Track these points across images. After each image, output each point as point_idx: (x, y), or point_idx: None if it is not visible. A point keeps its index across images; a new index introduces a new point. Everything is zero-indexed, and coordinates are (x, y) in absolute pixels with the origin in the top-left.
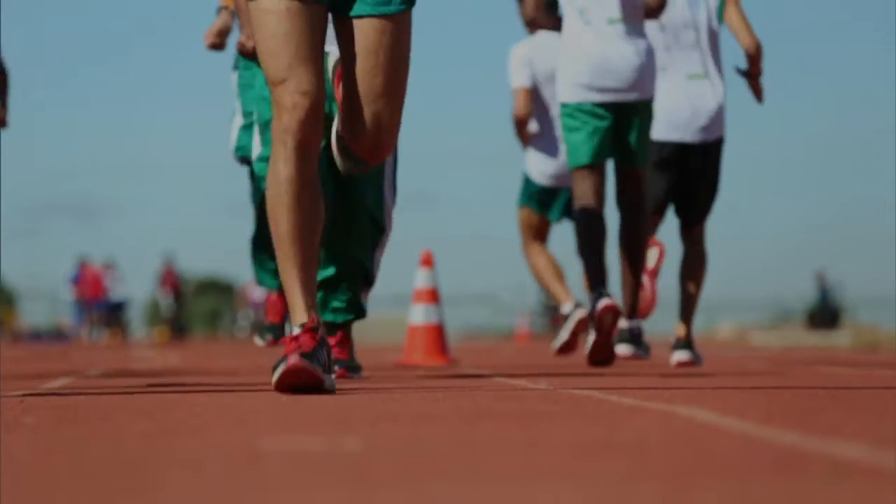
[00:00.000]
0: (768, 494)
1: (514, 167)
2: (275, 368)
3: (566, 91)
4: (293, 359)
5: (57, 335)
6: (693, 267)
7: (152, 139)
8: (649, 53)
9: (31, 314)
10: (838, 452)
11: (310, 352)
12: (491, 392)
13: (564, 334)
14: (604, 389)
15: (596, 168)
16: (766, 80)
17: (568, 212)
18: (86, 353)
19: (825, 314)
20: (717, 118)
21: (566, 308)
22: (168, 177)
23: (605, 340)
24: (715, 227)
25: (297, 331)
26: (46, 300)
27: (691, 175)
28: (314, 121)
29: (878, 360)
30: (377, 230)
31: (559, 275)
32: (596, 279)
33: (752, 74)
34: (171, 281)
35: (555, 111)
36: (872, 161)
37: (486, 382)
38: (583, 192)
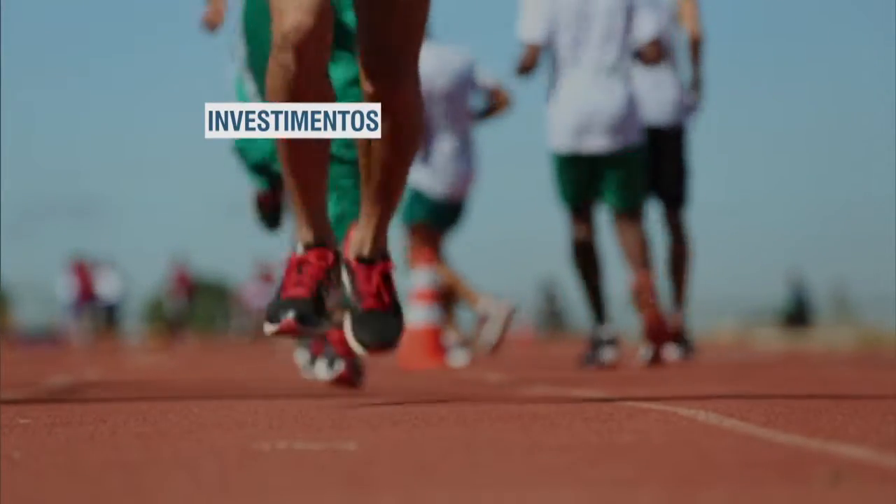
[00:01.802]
0: (770, 497)
1: (513, 167)
2: (269, 316)
3: (555, 139)
4: (286, 322)
5: (52, 337)
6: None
7: (151, 139)
8: (633, 101)
9: (28, 315)
10: (841, 454)
11: (309, 296)
12: (491, 394)
13: (493, 334)
14: (604, 391)
15: (582, 209)
16: (769, 76)
17: (451, 219)
18: (81, 357)
19: (799, 314)
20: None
21: (488, 306)
22: (165, 177)
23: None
24: (718, 226)
25: (300, 251)
26: (43, 301)
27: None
28: (319, 38)
29: (880, 361)
30: None
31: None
32: (598, 310)
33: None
34: (186, 283)
35: (438, 123)
36: (877, 159)
37: (486, 384)
38: (576, 231)
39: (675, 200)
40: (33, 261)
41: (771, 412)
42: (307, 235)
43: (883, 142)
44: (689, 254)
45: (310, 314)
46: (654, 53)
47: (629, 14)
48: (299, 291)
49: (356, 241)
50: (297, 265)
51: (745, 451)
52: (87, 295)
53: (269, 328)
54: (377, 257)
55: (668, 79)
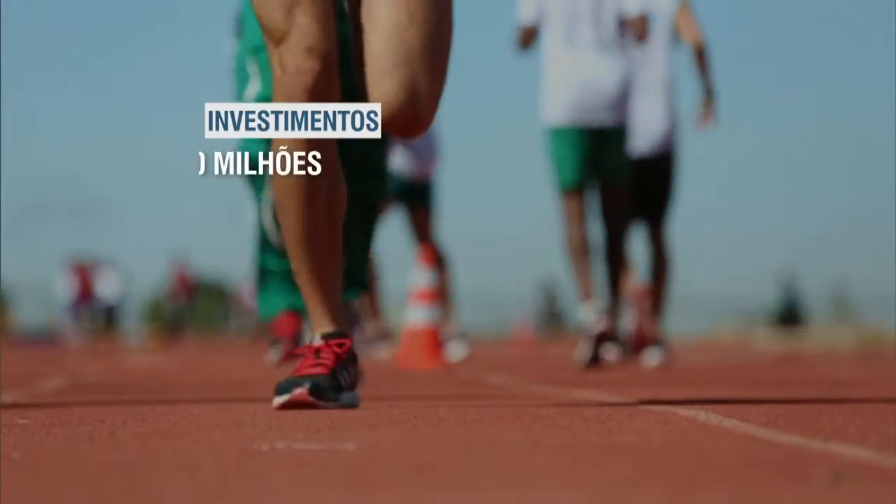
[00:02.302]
0: (770, 497)
1: (513, 167)
2: (279, 390)
3: (552, 114)
4: (299, 392)
5: (51, 337)
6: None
7: (151, 139)
8: (628, 77)
9: (27, 316)
10: (841, 455)
11: (328, 373)
12: (491, 395)
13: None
14: (604, 391)
15: (580, 190)
16: (771, 76)
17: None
18: (80, 358)
19: (791, 315)
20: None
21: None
22: (165, 177)
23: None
24: (718, 227)
25: (318, 341)
26: (42, 302)
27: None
28: (326, 85)
29: (880, 361)
30: (373, 215)
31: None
32: (586, 293)
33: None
34: (186, 284)
35: None
36: (878, 159)
37: (485, 385)
38: (569, 218)
39: (658, 219)
40: (33, 261)
41: (771, 412)
42: (325, 325)
43: (884, 141)
44: (670, 268)
45: (326, 387)
46: (641, 27)
47: None
48: (317, 370)
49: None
50: (315, 352)
51: (746, 452)
52: (86, 295)
53: (278, 400)
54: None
55: (660, 107)
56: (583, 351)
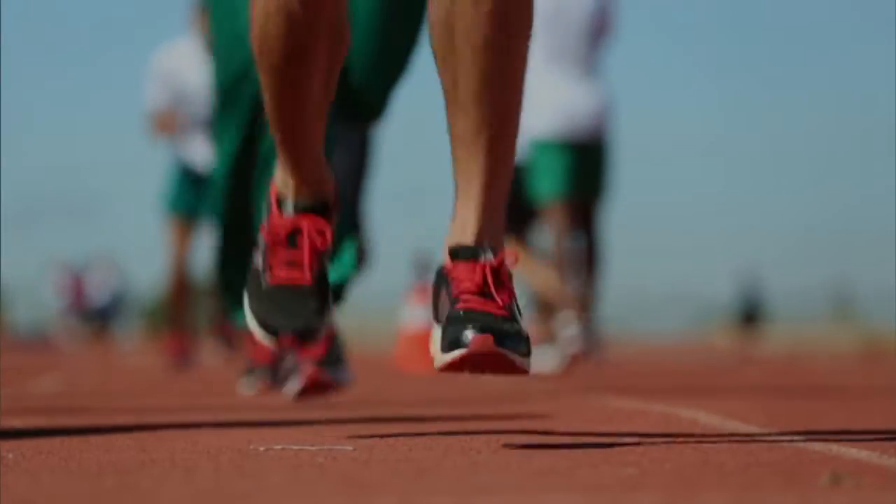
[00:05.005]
0: (771, 498)
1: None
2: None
3: (537, 127)
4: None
5: (46, 338)
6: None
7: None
8: (609, 98)
9: (22, 316)
10: (842, 455)
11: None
12: (489, 395)
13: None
14: (604, 392)
15: (563, 204)
16: (774, 76)
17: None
18: (75, 359)
19: (748, 314)
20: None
21: None
22: (163, 176)
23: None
24: (716, 226)
25: (289, 210)
26: (37, 302)
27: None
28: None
29: (881, 362)
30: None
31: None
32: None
33: None
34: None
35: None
36: (881, 158)
37: (484, 385)
38: (555, 231)
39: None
40: (29, 261)
41: (771, 413)
42: (301, 192)
43: (885, 139)
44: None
45: (315, 314)
46: None
47: (604, 14)
48: (295, 275)
49: (454, 224)
50: (288, 234)
51: (746, 453)
52: (80, 296)
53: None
54: (484, 248)
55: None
56: (553, 361)
